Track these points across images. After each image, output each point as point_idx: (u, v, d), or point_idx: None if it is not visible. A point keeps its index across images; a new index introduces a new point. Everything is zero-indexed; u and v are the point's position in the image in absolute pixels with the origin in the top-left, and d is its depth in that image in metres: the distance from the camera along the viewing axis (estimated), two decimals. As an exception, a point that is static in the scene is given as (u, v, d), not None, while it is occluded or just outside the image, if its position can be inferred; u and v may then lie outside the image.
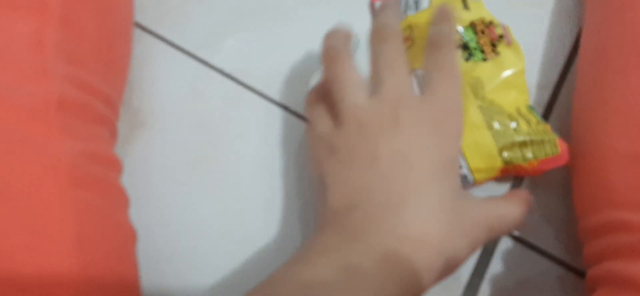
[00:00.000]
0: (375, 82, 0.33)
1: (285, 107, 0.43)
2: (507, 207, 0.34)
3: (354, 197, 0.31)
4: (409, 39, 0.41)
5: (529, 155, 0.37)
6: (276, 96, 0.43)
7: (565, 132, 0.39)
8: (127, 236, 0.34)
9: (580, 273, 0.38)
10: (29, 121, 0.29)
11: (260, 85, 0.44)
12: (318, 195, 0.34)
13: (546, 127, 0.38)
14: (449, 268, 0.31)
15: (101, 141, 0.33)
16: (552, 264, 0.39)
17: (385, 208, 0.30)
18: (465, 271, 0.39)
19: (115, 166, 0.35)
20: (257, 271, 0.37)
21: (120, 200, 0.34)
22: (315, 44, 0.45)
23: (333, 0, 0.46)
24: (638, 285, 0.28)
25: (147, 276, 0.36)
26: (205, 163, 0.41)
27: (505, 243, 0.39)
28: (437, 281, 0.31)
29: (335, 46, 0.35)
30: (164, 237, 0.39)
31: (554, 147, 0.37)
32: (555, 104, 0.44)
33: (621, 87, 0.33)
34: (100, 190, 0.32)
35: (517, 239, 0.40)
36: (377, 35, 0.35)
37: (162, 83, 0.43)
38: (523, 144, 0.37)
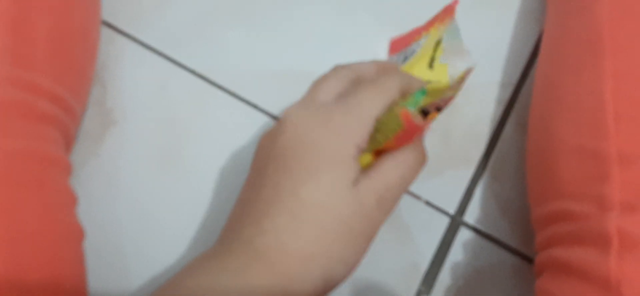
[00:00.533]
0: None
1: (254, 105, 0.44)
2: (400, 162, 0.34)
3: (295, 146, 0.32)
4: None
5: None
6: (245, 95, 0.45)
7: (524, 127, 0.40)
8: (70, 235, 0.34)
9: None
10: None
11: (229, 84, 0.45)
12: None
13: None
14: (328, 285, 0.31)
15: (46, 142, 0.34)
16: (508, 254, 0.40)
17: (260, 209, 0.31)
18: (423, 260, 0.40)
19: (59, 165, 0.35)
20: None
21: (63, 199, 0.35)
22: (283, 44, 0.46)
23: (302, 1, 0.47)
24: (575, 269, 0.30)
25: (112, 268, 0.37)
26: (174, 160, 0.43)
27: (463, 234, 0.41)
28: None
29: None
30: (133, 233, 0.41)
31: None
32: (516, 101, 0.45)
33: (573, 85, 0.35)
34: (37, 190, 0.32)
35: (474, 230, 0.41)
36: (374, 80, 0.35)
37: (133, 83, 0.45)
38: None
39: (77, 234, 0.35)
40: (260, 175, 0.33)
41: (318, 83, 0.36)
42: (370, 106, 0.32)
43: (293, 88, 0.45)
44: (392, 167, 0.32)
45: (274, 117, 0.44)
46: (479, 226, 0.41)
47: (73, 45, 0.38)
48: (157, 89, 0.45)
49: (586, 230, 0.30)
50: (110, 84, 0.44)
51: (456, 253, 0.40)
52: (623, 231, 0.28)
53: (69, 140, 0.37)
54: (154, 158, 0.43)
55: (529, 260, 0.40)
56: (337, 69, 0.36)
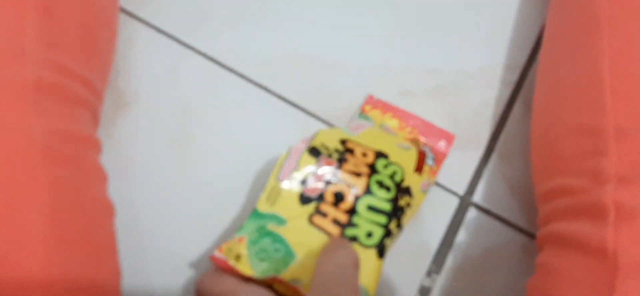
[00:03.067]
0: None
1: (265, 88, 0.45)
2: None
3: None
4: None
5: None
6: (256, 78, 0.45)
7: (529, 110, 0.41)
8: (104, 211, 0.35)
9: (543, 242, 0.40)
10: (5, 100, 0.31)
11: (241, 67, 0.45)
12: None
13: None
14: None
15: (79, 122, 0.35)
16: (517, 233, 0.41)
17: None
18: (434, 240, 0.41)
19: (93, 145, 0.36)
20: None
21: (97, 176, 0.36)
22: (294, 28, 0.47)
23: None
24: (573, 241, 0.31)
25: (127, 251, 0.37)
26: (186, 143, 0.43)
27: (472, 214, 0.41)
28: None
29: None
30: (145, 214, 0.41)
31: None
32: (524, 83, 0.46)
33: (572, 64, 0.36)
34: (75, 166, 0.33)
35: (483, 210, 0.42)
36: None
37: (146, 66, 0.45)
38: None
39: (110, 211, 0.36)
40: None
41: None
42: None
43: (304, 72, 0.46)
44: None
45: (285, 100, 0.45)
46: (487, 207, 0.42)
47: (98, 29, 0.39)
48: (168, 72, 0.45)
49: (583, 203, 0.31)
50: (122, 67, 0.45)
51: (465, 233, 0.41)
52: (619, 203, 0.29)
53: (96, 122, 0.38)
54: (166, 140, 0.43)
55: (535, 238, 0.40)
56: None
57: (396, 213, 0.36)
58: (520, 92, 0.45)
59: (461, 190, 0.42)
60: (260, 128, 0.44)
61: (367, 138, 0.39)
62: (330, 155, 0.37)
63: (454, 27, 0.47)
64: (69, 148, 0.33)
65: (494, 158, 0.43)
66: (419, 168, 0.39)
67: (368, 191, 0.36)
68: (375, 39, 0.47)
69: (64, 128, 0.33)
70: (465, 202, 0.42)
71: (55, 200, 0.31)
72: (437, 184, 0.42)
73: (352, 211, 0.36)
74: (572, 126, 0.33)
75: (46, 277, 0.29)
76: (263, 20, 0.47)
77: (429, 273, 0.40)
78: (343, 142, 0.38)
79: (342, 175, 0.37)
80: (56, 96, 0.33)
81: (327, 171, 0.37)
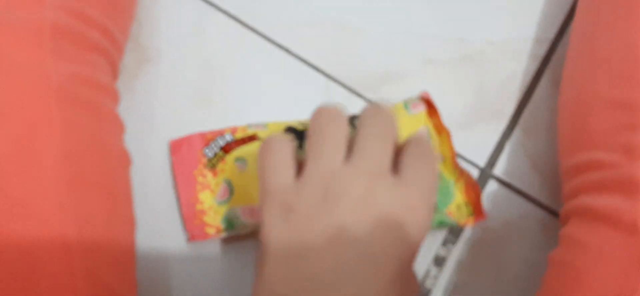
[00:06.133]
0: (357, 150, 0.29)
1: (288, 51, 0.45)
2: None
3: (297, 284, 0.27)
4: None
5: None
6: (279, 39, 0.45)
7: (559, 84, 0.40)
8: (120, 159, 0.35)
9: (563, 218, 0.40)
10: (22, 43, 0.31)
11: (264, 28, 0.45)
12: (257, 260, 0.29)
13: None
14: None
15: (96, 69, 0.35)
16: (536, 208, 0.40)
17: None
18: (451, 211, 0.40)
19: (110, 94, 0.36)
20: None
21: (113, 125, 0.35)
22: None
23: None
24: (601, 215, 0.30)
25: (142, 205, 0.37)
26: (207, 100, 0.43)
27: (492, 187, 0.41)
28: None
29: (335, 105, 0.30)
30: (164, 171, 0.41)
31: None
32: (552, 58, 0.45)
33: (608, 37, 0.35)
34: (91, 112, 0.33)
35: (503, 183, 0.41)
36: (374, 106, 0.30)
37: (169, 22, 0.45)
38: None
39: (126, 160, 0.36)
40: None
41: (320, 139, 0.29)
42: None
43: (327, 36, 0.45)
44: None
45: (307, 63, 0.44)
46: (508, 180, 0.41)
47: None
48: (191, 29, 0.45)
49: (614, 177, 0.30)
50: (145, 21, 0.45)
51: (484, 205, 0.40)
52: None
53: (115, 73, 0.38)
54: (187, 97, 0.43)
55: (556, 215, 0.40)
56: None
57: None
58: (547, 67, 0.44)
59: (482, 162, 0.42)
60: (281, 90, 0.43)
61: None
62: None
63: (482, -4, 0.46)
64: (85, 94, 0.33)
65: (517, 132, 0.42)
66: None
67: None
68: (401, 5, 0.46)
69: (80, 73, 0.33)
70: (485, 174, 0.41)
71: (70, 144, 0.31)
72: (458, 155, 0.41)
73: None
74: (606, 99, 0.33)
75: (60, 222, 0.29)
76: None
77: (445, 243, 0.40)
78: None
79: None
80: (74, 41, 0.33)
81: None
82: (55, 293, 0.29)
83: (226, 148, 0.40)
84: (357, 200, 0.27)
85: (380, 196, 0.27)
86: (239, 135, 0.40)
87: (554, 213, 0.40)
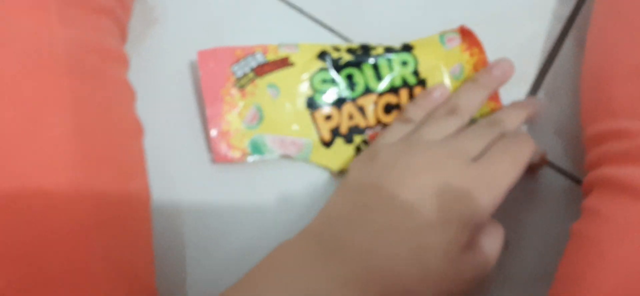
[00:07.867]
0: (454, 137, 0.35)
1: (300, 10, 0.43)
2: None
3: (356, 213, 0.32)
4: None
5: None
6: (291, -2, 0.43)
7: (583, 45, 0.38)
8: (132, 128, 0.34)
9: (587, 186, 0.38)
10: (25, 7, 0.29)
11: (275, -14, 0.43)
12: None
13: None
14: None
15: (105, 33, 0.33)
16: (560, 176, 0.39)
17: (378, 239, 0.31)
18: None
19: (119, 59, 0.34)
20: (260, 165, 0.38)
21: (124, 92, 0.34)
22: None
23: None
24: (627, 186, 0.29)
25: (154, 173, 0.36)
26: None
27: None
28: None
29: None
30: (170, 135, 0.40)
31: None
32: (576, 18, 0.43)
33: (635, 2, 0.33)
34: (101, 80, 0.32)
35: (526, 150, 0.39)
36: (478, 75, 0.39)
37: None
38: None
39: (138, 130, 0.34)
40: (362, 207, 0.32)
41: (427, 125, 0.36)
42: (505, 181, 0.33)
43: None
44: (491, 246, 0.33)
45: (319, 23, 0.42)
46: (530, 147, 0.39)
47: None
48: (199, -12, 0.43)
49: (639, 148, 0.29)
50: (151, -20, 0.43)
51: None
52: None
53: (123, 35, 0.36)
54: (195, 59, 0.41)
55: (580, 182, 0.38)
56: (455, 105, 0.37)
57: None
58: (572, 27, 0.42)
59: (503, 127, 0.40)
60: (294, 52, 0.42)
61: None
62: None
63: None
64: (94, 61, 0.31)
65: (540, 95, 0.41)
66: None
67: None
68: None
69: (88, 39, 0.31)
70: (506, 141, 0.40)
71: (80, 115, 0.29)
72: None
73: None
74: (631, 66, 0.31)
75: (73, 194, 0.28)
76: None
77: (464, 212, 0.39)
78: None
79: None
80: (80, 5, 0.31)
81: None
82: (70, 274, 0.27)
83: (258, 71, 0.38)
84: (427, 165, 0.32)
85: (451, 169, 0.32)
86: (271, 56, 0.38)
87: (577, 181, 0.39)
